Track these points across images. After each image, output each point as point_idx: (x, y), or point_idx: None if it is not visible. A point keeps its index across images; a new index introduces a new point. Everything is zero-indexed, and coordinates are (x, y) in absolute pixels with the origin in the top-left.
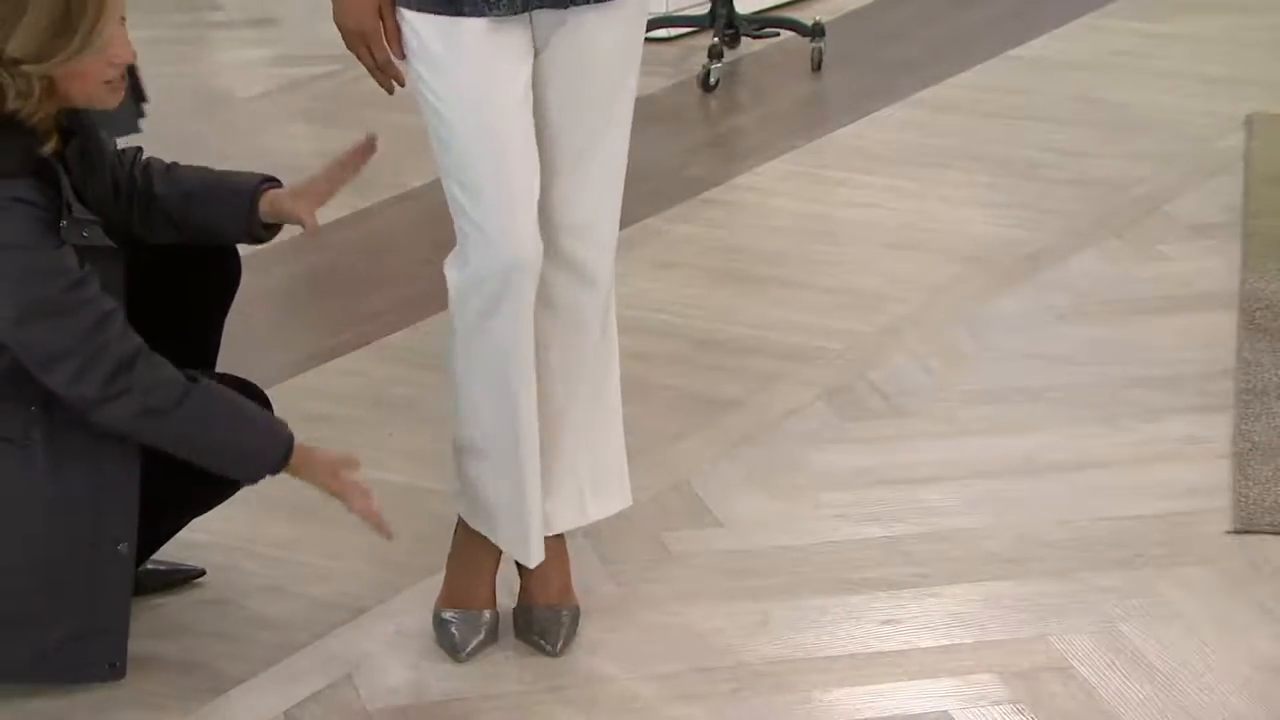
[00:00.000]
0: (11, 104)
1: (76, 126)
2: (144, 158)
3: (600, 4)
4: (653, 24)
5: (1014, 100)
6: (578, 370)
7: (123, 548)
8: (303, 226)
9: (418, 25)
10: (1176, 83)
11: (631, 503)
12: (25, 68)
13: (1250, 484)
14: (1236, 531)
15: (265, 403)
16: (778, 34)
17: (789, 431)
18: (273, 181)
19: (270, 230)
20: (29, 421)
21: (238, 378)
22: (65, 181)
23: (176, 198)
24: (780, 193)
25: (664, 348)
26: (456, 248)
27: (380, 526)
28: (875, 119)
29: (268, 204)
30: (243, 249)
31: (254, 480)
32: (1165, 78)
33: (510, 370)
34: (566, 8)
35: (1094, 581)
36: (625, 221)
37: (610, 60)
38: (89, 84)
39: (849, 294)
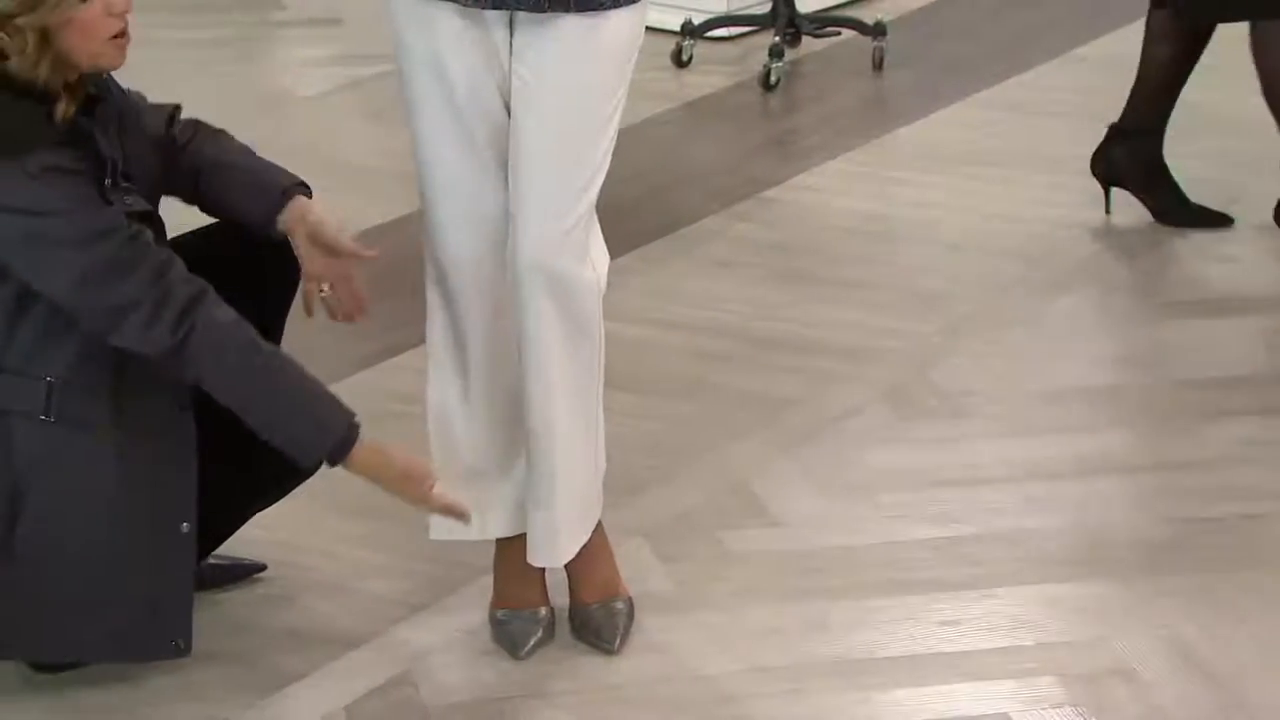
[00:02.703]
0: (12, 63)
1: (104, 92)
2: (184, 116)
3: (583, 13)
4: (713, 23)
5: (1077, 100)
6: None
7: (185, 527)
8: (347, 251)
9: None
10: (1243, 81)
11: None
12: (18, 20)
13: None
14: None
15: None
16: (839, 33)
17: (848, 431)
18: (304, 187)
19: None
20: (96, 406)
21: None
22: (103, 143)
23: (212, 164)
24: (841, 192)
25: (723, 346)
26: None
27: (456, 510)
28: (937, 119)
29: (297, 216)
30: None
31: (314, 460)
32: (1231, 76)
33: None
34: (544, 11)
35: (1157, 584)
36: (686, 220)
37: (583, 71)
38: (90, 39)
39: (909, 293)
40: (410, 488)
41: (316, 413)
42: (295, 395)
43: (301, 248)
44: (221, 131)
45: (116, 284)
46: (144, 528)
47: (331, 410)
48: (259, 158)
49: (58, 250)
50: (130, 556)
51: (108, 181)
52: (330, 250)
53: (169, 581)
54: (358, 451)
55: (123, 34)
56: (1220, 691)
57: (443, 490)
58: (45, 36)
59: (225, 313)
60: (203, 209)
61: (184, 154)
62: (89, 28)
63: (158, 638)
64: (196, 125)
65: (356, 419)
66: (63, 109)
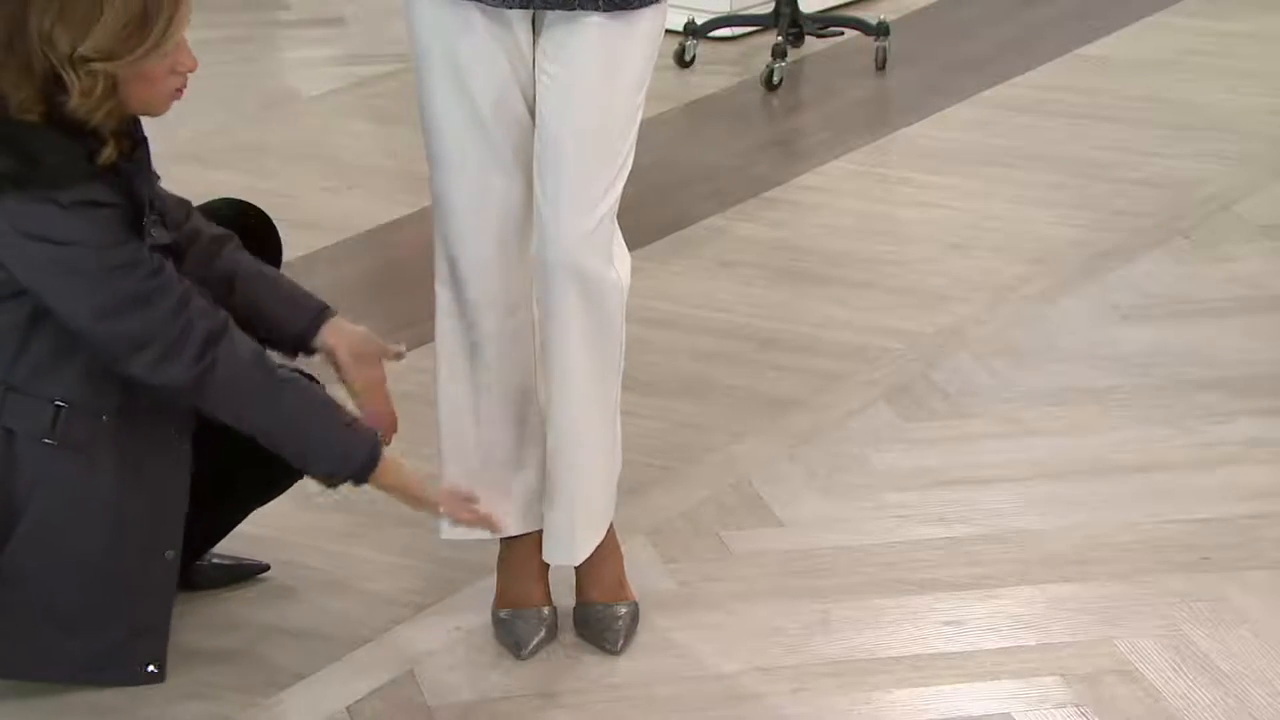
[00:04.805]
0: (74, 102)
1: (140, 137)
2: (193, 212)
3: (609, 12)
4: (716, 23)
5: (1080, 99)
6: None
7: (170, 555)
8: (392, 359)
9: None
10: (1246, 82)
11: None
12: (94, 65)
13: None
14: None
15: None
16: (842, 33)
17: (851, 431)
18: (329, 310)
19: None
20: (99, 431)
21: (303, 373)
22: (139, 183)
23: (252, 273)
24: (844, 192)
25: (726, 347)
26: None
27: (490, 523)
28: (940, 118)
29: (337, 330)
30: (303, 248)
31: (336, 478)
32: (1235, 77)
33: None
34: (573, 10)
35: (1160, 584)
36: (688, 219)
37: (610, 69)
38: (151, 90)
39: (912, 294)
40: (427, 506)
41: (339, 441)
42: (315, 426)
43: (344, 362)
44: (229, 238)
45: (134, 317)
46: (133, 553)
47: (353, 436)
48: (275, 285)
49: (79, 280)
50: (117, 581)
51: (146, 220)
52: (370, 359)
53: (151, 608)
54: (380, 474)
55: (179, 90)
56: (1223, 691)
57: (463, 504)
58: (114, 84)
59: (245, 347)
60: (232, 311)
61: (219, 259)
62: (154, 81)
63: (135, 662)
64: (225, 234)
65: (378, 440)
66: (107, 153)
